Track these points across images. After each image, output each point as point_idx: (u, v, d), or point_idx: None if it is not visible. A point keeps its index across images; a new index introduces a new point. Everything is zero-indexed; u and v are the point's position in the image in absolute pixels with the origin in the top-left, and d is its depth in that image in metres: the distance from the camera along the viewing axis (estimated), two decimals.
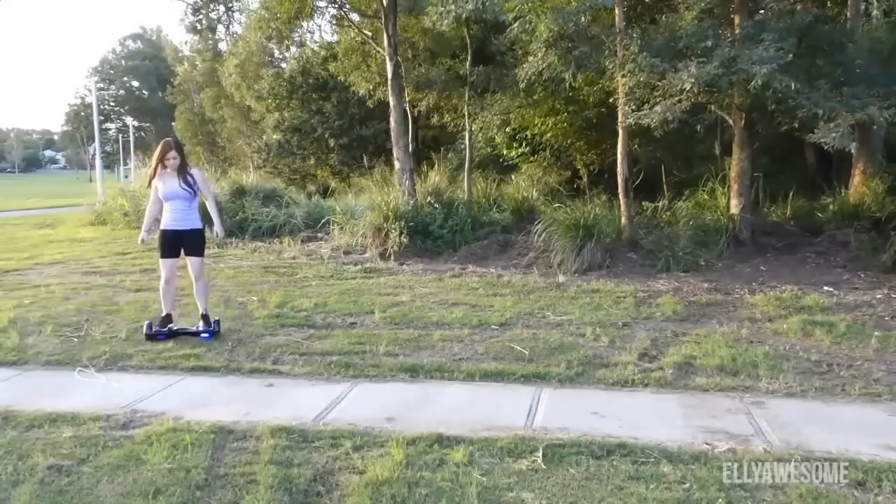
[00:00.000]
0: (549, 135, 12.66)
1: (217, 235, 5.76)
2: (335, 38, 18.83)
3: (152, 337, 5.15)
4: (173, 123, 38.52)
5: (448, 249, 9.08)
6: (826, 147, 6.62)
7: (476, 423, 3.52)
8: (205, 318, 5.36)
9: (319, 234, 10.89)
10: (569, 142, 12.93)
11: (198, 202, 5.48)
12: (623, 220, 8.39)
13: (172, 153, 5.23)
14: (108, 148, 54.07)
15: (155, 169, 5.25)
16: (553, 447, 3.18)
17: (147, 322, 5.25)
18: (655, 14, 9.38)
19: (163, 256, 5.35)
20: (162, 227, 5.34)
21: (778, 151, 12.48)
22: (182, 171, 5.30)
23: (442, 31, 9.99)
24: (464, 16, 8.70)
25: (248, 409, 3.78)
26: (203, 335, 5.22)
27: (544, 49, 7.91)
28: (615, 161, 8.56)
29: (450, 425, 3.47)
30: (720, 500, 2.72)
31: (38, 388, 4.29)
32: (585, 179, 13.10)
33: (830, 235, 8.22)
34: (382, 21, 10.31)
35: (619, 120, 8.16)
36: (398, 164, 10.48)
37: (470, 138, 11.56)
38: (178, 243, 5.35)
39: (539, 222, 8.59)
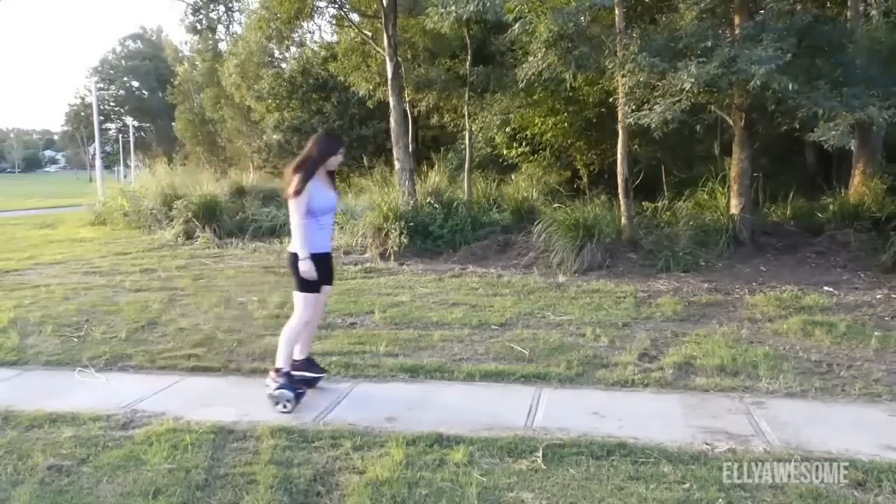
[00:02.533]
0: (549, 135, 12.67)
1: None
2: (335, 38, 18.84)
3: (300, 396, 3.86)
4: (173, 123, 38.51)
5: (448, 249, 9.08)
6: (826, 146, 6.63)
7: (476, 423, 3.52)
8: (314, 361, 4.29)
9: None
10: (569, 142, 12.94)
11: None
12: (623, 220, 8.39)
13: (343, 150, 4.09)
14: (108, 148, 53.99)
15: (313, 172, 3.92)
16: (553, 447, 3.18)
17: (280, 387, 3.80)
18: (655, 14, 9.38)
19: (314, 290, 3.99)
20: (314, 250, 3.91)
21: (778, 151, 12.50)
22: (331, 174, 4.14)
23: (442, 31, 10.00)
24: (465, 16, 8.70)
25: (248, 409, 3.78)
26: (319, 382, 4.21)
27: (544, 49, 7.91)
28: (615, 161, 8.56)
29: (450, 425, 3.47)
30: (720, 500, 2.72)
31: (38, 388, 4.29)
32: (585, 179, 13.11)
33: (830, 235, 8.22)
34: (382, 21, 10.31)
35: (619, 120, 8.16)
36: (398, 164, 10.47)
37: (470, 138, 11.56)
38: (326, 270, 4.07)
39: (539, 222, 8.59)
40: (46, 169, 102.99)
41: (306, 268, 3.82)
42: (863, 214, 8.39)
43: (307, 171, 3.88)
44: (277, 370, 3.90)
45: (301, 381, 3.96)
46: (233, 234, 11.15)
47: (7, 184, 51.87)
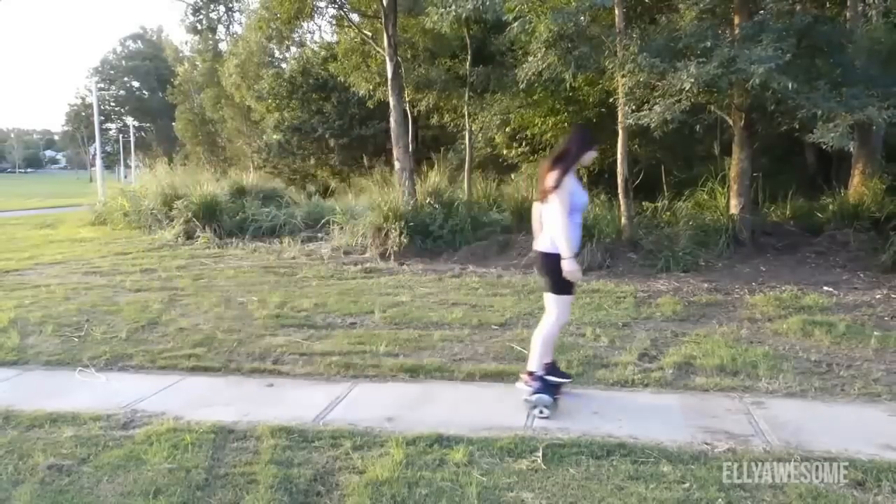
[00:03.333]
0: (549, 135, 12.65)
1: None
2: (335, 38, 18.83)
3: (556, 401, 3.71)
4: (173, 123, 38.52)
5: (448, 249, 9.08)
6: (825, 147, 6.63)
7: (476, 423, 3.52)
8: (557, 365, 4.03)
9: (319, 234, 10.89)
10: None
11: None
12: (623, 220, 8.39)
13: (597, 146, 3.82)
14: (108, 148, 53.99)
15: (571, 167, 3.66)
16: (553, 447, 3.19)
17: (537, 392, 3.67)
18: (655, 14, 9.39)
19: (572, 292, 3.75)
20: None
21: (778, 151, 12.49)
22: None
23: (442, 31, 10.00)
24: (464, 16, 8.70)
25: (249, 409, 3.79)
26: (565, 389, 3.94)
27: (544, 49, 7.91)
28: (615, 161, 8.56)
29: (450, 425, 3.48)
30: (720, 500, 2.73)
31: (39, 388, 4.29)
32: (585, 179, 13.09)
33: (830, 235, 8.23)
34: (382, 21, 10.32)
35: (619, 120, 8.16)
36: (398, 164, 10.48)
37: (470, 138, 11.57)
38: None
39: None
40: (25, 170, 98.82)
41: (572, 268, 3.54)
42: (862, 214, 8.40)
43: (566, 165, 3.63)
44: (531, 374, 3.76)
45: (553, 385, 3.78)
46: (233, 234, 11.15)
47: (7, 184, 51.89)
